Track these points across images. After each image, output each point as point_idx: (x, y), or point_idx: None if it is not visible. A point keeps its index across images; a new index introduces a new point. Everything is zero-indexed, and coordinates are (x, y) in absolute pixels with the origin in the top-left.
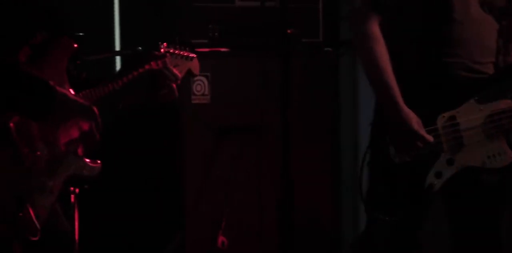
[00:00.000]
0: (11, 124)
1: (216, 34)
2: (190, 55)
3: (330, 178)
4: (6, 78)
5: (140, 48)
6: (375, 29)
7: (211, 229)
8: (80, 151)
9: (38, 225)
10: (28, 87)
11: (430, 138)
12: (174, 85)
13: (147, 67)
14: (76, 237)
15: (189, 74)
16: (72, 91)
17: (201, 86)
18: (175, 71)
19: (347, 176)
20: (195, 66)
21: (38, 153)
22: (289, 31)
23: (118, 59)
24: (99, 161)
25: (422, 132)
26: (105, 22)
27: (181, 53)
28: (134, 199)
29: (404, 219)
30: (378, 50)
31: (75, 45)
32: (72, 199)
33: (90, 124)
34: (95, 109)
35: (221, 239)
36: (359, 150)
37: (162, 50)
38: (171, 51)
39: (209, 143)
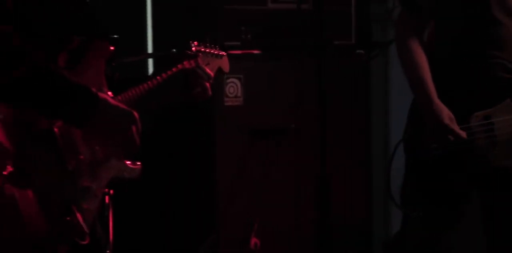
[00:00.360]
0: (56, 129)
1: (248, 36)
2: (220, 53)
3: (363, 178)
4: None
5: (174, 50)
6: (412, 29)
7: (243, 231)
8: (120, 154)
9: (86, 229)
10: (70, 94)
11: (462, 133)
12: (207, 84)
13: (180, 66)
14: (111, 238)
15: (220, 72)
16: (110, 94)
17: (234, 88)
18: (207, 70)
19: (378, 175)
20: (225, 64)
21: (81, 157)
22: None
23: (150, 61)
24: (139, 163)
25: (453, 126)
26: (138, 24)
27: (211, 51)
28: (166, 201)
29: (432, 216)
30: (416, 49)
31: (112, 48)
32: (107, 200)
33: (131, 129)
34: (135, 114)
35: (253, 240)
36: (389, 150)
37: (193, 49)
38: (202, 49)
39: (242, 145)
